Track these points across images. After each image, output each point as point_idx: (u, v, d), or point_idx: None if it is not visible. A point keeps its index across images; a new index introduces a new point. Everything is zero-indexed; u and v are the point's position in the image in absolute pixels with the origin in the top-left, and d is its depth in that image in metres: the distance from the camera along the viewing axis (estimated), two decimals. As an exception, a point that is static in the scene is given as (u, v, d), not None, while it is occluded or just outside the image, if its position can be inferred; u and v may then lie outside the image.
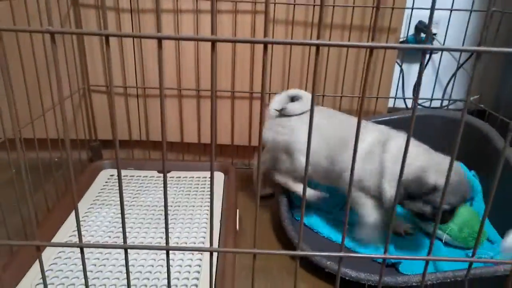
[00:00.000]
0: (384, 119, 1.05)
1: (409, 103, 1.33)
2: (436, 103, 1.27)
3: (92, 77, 1.09)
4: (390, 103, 1.26)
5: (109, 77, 0.36)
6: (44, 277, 0.44)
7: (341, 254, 0.45)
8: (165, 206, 0.41)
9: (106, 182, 1.01)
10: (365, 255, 0.52)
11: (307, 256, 0.76)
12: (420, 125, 1.04)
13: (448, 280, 0.66)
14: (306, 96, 0.92)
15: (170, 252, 0.76)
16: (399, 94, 1.29)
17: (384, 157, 0.75)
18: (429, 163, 0.72)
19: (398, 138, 0.78)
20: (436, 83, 1.25)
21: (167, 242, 0.43)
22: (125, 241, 0.43)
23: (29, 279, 0.67)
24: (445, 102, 1.27)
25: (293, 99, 0.94)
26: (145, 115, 1.13)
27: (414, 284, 0.66)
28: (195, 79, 1.10)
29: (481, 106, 1.16)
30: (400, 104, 1.33)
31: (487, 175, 0.96)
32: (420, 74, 0.37)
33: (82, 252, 0.44)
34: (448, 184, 0.41)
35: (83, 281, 0.66)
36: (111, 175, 1.05)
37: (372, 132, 0.80)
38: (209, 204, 0.94)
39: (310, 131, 0.39)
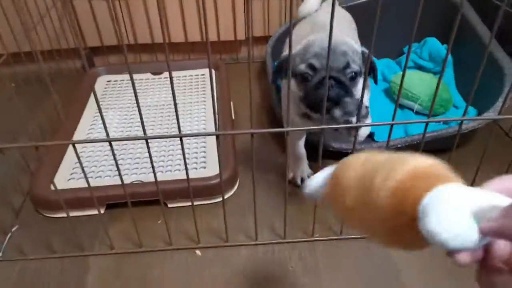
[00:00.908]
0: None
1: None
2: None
3: (68, -18, 1.08)
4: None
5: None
6: (82, 166, 0.55)
7: (323, 126, 0.55)
8: (174, 98, 0.49)
9: (105, 88, 1.08)
10: (342, 126, 0.62)
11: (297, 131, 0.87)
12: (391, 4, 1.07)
13: (415, 142, 0.79)
14: None
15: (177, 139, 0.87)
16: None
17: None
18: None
19: None
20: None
21: (179, 131, 0.52)
22: (144, 133, 0.52)
23: (63, 169, 0.79)
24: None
25: None
26: (129, 18, 1.14)
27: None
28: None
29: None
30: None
31: (457, 47, 1.03)
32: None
33: (111, 145, 0.53)
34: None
35: (107, 171, 0.79)
36: (108, 81, 1.11)
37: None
38: (204, 99, 1.02)
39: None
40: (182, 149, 0.54)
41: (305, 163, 0.80)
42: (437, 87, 0.54)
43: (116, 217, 0.73)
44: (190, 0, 1.12)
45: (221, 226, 0.69)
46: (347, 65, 0.60)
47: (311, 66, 0.61)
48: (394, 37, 1.07)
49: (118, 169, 0.56)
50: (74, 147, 0.54)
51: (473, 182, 0.62)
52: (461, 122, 0.58)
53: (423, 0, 0.46)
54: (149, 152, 0.54)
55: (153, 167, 0.56)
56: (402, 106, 0.97)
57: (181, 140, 0.53)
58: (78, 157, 0.54)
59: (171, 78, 0.48)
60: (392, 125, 0.57)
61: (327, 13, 0.88)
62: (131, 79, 0.48)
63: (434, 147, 0.66)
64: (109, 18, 1.12)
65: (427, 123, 0.58)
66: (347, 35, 0.69)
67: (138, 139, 0.52)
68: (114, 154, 0.54)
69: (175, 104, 0.50)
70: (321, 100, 0.52)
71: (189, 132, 0.89)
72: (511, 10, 0.88)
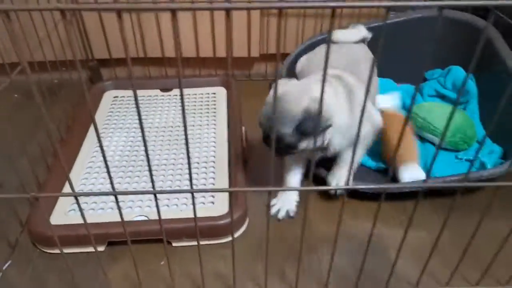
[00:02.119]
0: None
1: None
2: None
3: (78, -8, 1.03)
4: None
5: None
6: (81, 211, 0.50)
7: (307, 188, 0.50)
8: (187, 146, 0.45)
9: (112, 104, 1.03)
10: (327, 188, 0.59)
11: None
12: (423, 26, 1.02)
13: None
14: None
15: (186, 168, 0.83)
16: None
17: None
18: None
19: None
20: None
21: (191, 186, 0.48)
22: (153, 187, 0.47)
23: (63, 202, 0.75)
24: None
25: None
26: (139, 31, 1.09)
27: (406, 190, 0.74)
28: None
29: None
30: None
31: (484, 78, 0.97)
32: None
33: (116, 198, 0.49)
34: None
35: (110, 202, 0.74)
36: (115, 97, 1.06)
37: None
38: (214, 121, 0.97)
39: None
40: (193, 205, 0.49)
41: (294, 194, 0.77)
42: (450, 118, 0.49)
43: (117, 256, 0.69)
44: (202, 14, 1.07)
45: (229, 271, 0.64)
46: (282, 137, 0.65)
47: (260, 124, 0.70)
48: (417, 63, 1.01)
49: (120, 211, 0.51)
50: (76, 199, 0.49)
51: (476, 229, 0.57)
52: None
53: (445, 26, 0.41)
54: (157, 207, 0.49)
55: (157, 207, 0.51)
56: (422, 139, 0.92)
57: (192, 195, 0.49)
58: (81, 210, 0.50)
59: (182, 99, 0.43)
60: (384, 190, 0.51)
61: (356, 49, 0.85)
62: (137, 107, 0.43)
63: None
64: (118, 30, 1.08)
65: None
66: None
67: (146, 193, 0.48)
68: (119, 207, 0.49)
69: (188, 152, 0.45)
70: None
71: (196, 161, 0.85)
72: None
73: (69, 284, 0.64)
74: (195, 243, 0.62)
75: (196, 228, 0.52)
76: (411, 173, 0.77)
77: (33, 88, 0.39)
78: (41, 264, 0.68)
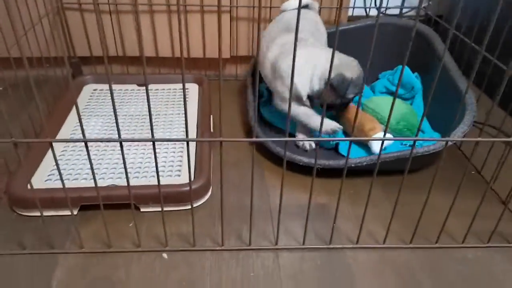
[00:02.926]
0: (344, 27, 1.15)
1: (371, 11, 1.41)
2: (396, 11, 1.36)
3: (63, -6, 1.12)
4: (350, 12, 1.34)
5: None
6: (57, 165, 0.58)
7: (286, 139, 0.59)
8: (148, 101, 0.53)
9: (90, 96, 1.12)
10: (305, 139, 0.68)
11: (261, 142, 0.93)
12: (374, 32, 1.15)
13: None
14: None
15: (157, 147, 0.91)
16: (361, 3, 1.36)
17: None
18: (342, 62, 0.89)
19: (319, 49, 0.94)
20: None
21: (152, 135, 0.56)
22: (119, 136, 0.55)
23: (41, 171, 0.82)
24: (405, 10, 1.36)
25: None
26: (119, 31, 1.19)
27: (353, 165, 0.83)
28: (164, -6, 1.14)
29: (429, 13, 1.27)
30: (361, 12, 1.41)
31: (426, 77, 1.10)
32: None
33: (86, 146, 0.57)
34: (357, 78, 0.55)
35: (84, 174, 0.81)
36: (94, 90, 1.14)
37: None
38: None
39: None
40: (154, 153, 0.58)
41: (319, 117, 0.92)
42: (391, 108, 0.59)
43: (89, 219, 0.76)
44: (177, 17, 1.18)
45: (191, 232, 0.71)
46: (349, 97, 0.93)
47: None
48: (371, 64, 1.13)
49: (92, 170, 0.59)
50: (51, 146, 0.57)
51: (425, 203, 0.67)
52: (414, 142, 0.62)
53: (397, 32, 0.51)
54: (122, 154, 0.57)
55: (125, 169, 0.59)
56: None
57: (153, 144, 0.57)
58: (55, 156, 0.57)
59: (146, 86, 0.52)
60: (350, 142, 0.61)
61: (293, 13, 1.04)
62: (109, 82, 0.51)
63: (398, 167, 0.71)
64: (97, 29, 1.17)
65: (383, 141, 0.62)
66: (318, 40, 0.96)
67: (112, 141, 0.56)
68: (89, 155, 0.57)
69: (149, 107, 0.53)
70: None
71: (167, 141, 0.93)
72: (475, 46, 0.95)
73: (43, 241, 0.70)
74: (161, 209, 0.69)
75: (160, 191, 0.60)
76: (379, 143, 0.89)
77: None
78: (18, 225, 0.74)
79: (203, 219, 0.77)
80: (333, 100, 0.91)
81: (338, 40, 0.52)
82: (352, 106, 0.97)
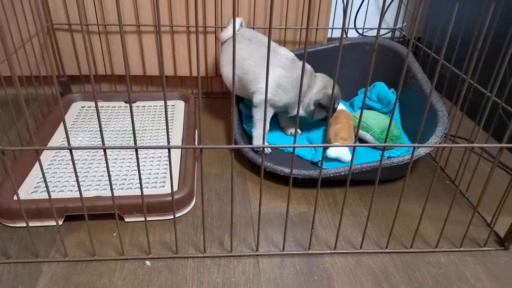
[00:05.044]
0: (321, 48, 1.20)
1: (350, 32, 1.48)
2: (373, 32, 1.43)
3: (54, 16, 1.17)
4: (329, 34, 1.40)
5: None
6: (44, 174, 0.60)
7: (262, 146, 0.62)
8: (130, 107, 0.56)
9: (78, 112, 1.14)
10: (277, 146, 0.71)
11: (239, 148, 0.98)
12: (353, 51, 1.21)
13: (357, 171, 0.87)
14: (238, 21, 1.10)
15: (142, 160, 0.93)
16: (340, 24, 1.43)
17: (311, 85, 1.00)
18: (325, 83, 1.01)
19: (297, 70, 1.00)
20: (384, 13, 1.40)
21: (135, 143, 0.59)
22: (103, 143, 0.58)
23: (28, 182, 0.83)
24: (385, 31, 1.43)
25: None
26: (108, 51, 1.23)
27: (331, 175, 0.87)
28: (152, 14, 1.19)
29: (403, 33, 1.34)
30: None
31: (401, 92, 1.15)
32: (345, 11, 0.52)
33: (71, 153, 0.59)
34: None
35: (70, 186, 0.83)
36: (82, 107, 1.17)
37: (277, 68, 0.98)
38: (171, 127, 1.09)
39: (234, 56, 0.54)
40: (137, 160, 0.60)
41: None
42: (390, 121, 0.63)
43: (74, 229, 0.77)
44: (165, 38, 1.23)
45: (174, 240, 0.73)
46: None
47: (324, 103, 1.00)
48: (349, 81, 1.19)
49: (77, 178, 0.61)
50: (37, 153, 0.59)
51: (397, 208, 0.70)
52: (384, 148, 0.66)
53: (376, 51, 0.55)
54: (106, 161, 0.60)
55: (109, 178, 0.61)
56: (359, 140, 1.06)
57: (136, 151, 0.60)
58: (41, 164, 0.60)
59: (130, 100, 0.55)
60: (324, 148, 0.65)
61: (252, 31, 1.09)
62: (94, 98, 0.55)
63: (375, 177, 0.74)
64: (88, 49, 1.21)
65: (354, 148, 0.66)
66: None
67: (97, 148, 0.58)
68: (73, 162, 0.60)
69: (132, 115, 0.57)
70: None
71: (151, 156, 0.96)
72: (446, 63, 1.01)
73: (27, 250, 0.72)
74: (144, 219, 0.71)
75: (143, 201, 0.62)
76: (337, 149, 0.93)
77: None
78: (3, 235, 0.75)
79: (186, 228, 0.79)
80: (320, 114, 1.04)
81: (306, 59, 0.56)
82: (344, 114, 1.06)
